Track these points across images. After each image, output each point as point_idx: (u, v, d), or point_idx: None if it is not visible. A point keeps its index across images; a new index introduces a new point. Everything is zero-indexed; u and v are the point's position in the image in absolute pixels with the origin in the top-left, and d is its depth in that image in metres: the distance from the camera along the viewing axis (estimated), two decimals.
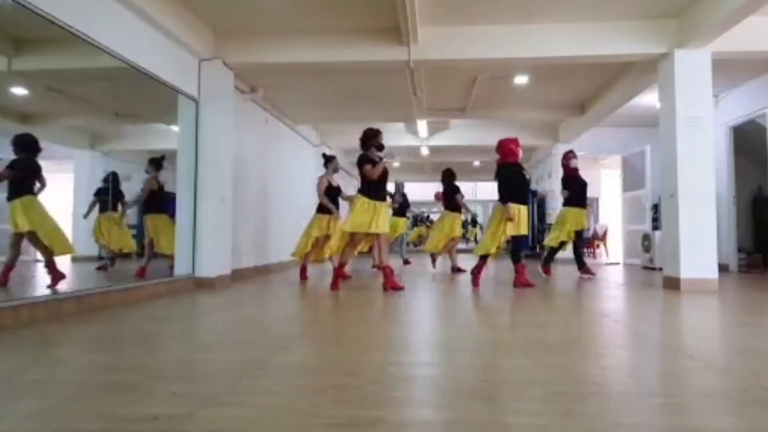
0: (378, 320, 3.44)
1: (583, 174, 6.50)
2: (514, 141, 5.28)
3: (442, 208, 7.50)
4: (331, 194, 5.97)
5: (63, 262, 5.79)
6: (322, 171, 10.31)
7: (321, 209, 5.97)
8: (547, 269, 6.38)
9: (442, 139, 10.45)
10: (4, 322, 2.87)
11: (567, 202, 6.31)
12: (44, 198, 4.71)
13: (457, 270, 7.09)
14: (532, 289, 4.97)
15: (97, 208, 5.92)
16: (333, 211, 5.91)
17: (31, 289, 4.36)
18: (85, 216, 5.88)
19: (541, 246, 9.74)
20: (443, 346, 2.64)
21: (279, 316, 3.64)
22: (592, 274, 6.27)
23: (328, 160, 6.18)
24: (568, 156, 6.37)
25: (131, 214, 6.33)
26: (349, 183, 11.46)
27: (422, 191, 15.19)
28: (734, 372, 2.06)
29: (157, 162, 5.63)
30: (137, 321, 3.31)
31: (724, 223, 6.87)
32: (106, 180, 5.97)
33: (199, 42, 5.06)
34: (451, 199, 7.25)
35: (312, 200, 10.30)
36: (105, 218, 5.90)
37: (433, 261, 7.85)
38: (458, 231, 7.27)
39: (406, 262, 9.02)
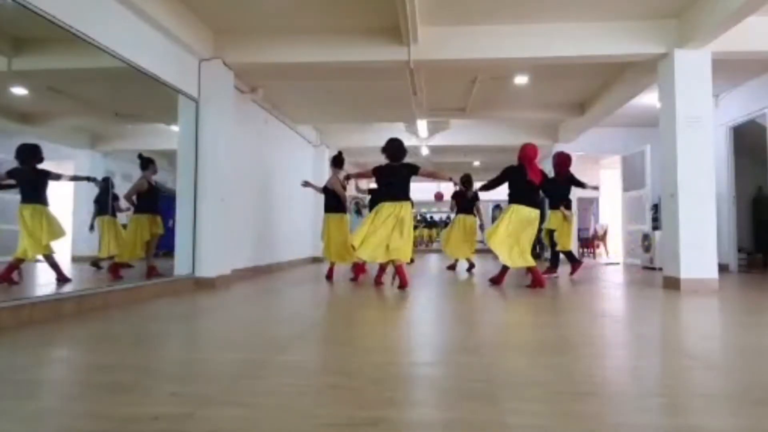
0: (378, 320, 3.44)
1: (584, 174, 6.55)
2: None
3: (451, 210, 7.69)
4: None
5: (63, 262, 5.81)
6: (320, 170, 10.27)
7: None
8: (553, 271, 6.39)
9: (442, 139, 10.45)
10: (4, 322, 2.87)
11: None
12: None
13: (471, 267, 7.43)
14: (532, 289, 4.97)
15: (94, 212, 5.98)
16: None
17: None
18: (91, 228, 5.95)
19: (541, 246, 9.75)
20: (443, 346, 2.64)
21: (279, 316, 3.64)
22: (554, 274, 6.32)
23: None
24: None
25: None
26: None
27: (422, 191, 15.17)
28: (734, 372, 2.06)
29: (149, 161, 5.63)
30: (137, 321, 3.31)
31: (724, 223, 6.87)
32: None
33: (199, 42, 5.06)
34: (469, 202, 7.33)
35: (310, 200, 10.38)
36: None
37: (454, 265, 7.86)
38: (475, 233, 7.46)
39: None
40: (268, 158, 7.62)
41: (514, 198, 5.21)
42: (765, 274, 6.83)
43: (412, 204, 5.24)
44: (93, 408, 1.57)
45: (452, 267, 7.85)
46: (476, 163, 13.99)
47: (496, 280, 5.39)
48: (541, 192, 5.58)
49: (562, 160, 6.36)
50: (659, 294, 4.72)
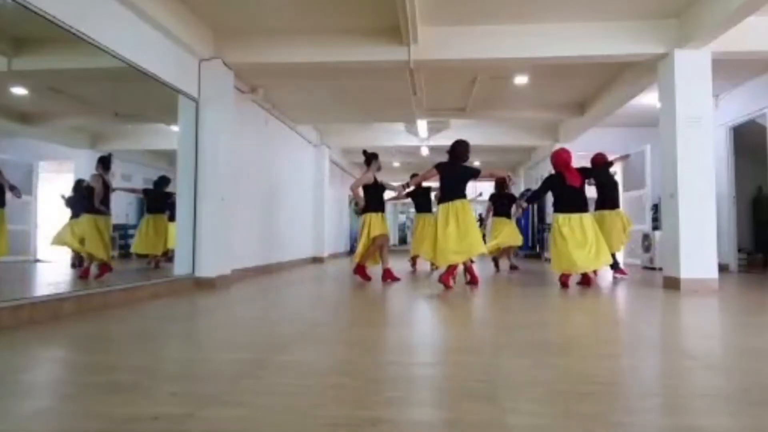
0: (379, 320, 3.44)
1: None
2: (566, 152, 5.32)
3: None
4: (373, 192, 5.87)
5: (63, 263, 5.83)
6: (321, 170, 10.30)
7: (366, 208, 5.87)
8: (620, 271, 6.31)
9: (442, 139, 10.44)
10: (4, 322, 2.87)
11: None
12: (45, 198, 4.73)
13: (514, 268, 7.66)
14: (532, 288, 4.97)
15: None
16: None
17: None
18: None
19: (541, 246, 9.80)
20: (443, 346, 2.64)
21: (279, 316, 3.64)
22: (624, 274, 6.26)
23: (374, 157, 5.96)
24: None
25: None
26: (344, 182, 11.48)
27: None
28: (734, 372, 2.06)
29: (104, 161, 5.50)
30: (137, 321, 3.31)
31: (724, 223, 6.87)
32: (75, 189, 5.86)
33: (199, 42, 5.06)
34: (506, 205, 7.45)
35: (310, 200, 10.38)
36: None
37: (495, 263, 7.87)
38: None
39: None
40: (268, 158, 7.62)
41: (556, 207, 5.22)
42: (765, 274, 6.83)
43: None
44: (93, 408, 1.57)
45: (497, 265, 7.79)
46: (476, 163, 13.97)
47: (564, 283, 5.13)
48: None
49: (597, 160, 6.14)
50: (659, 294, 4.72)
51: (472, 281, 5.26)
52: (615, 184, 6.36)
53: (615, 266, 6.25)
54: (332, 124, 10.27)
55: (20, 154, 5.65)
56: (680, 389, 1.82)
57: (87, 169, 6.17)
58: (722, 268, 6.05)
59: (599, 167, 6.04)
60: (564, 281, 5.14)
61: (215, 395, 1.67)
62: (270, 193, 7.67)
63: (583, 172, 5.31)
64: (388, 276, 5.75)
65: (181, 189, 5.28)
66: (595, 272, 5.72)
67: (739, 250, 7.34)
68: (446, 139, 10.31)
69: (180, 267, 5.15)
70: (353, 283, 5.62)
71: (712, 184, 5.03)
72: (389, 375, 1.95)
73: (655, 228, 7.90)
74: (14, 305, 3.01)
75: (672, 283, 5.00)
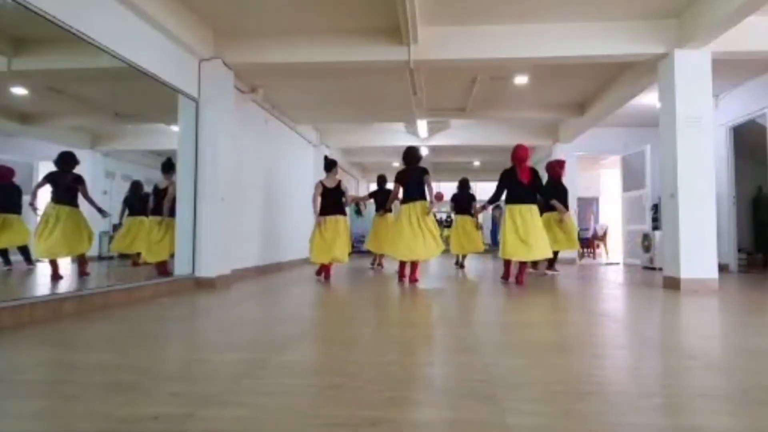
0: (378, 320, 3.44)
1: (584, 174, 6.60)
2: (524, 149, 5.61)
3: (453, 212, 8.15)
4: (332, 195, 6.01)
5: (64, 262, 5.83)
6: (320, 170, 10.32)
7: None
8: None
9: (442, 139, 10.46)
10: (4, 322, 2.87)
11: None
12: (45, 198, 4.74)
13: (461, 266, 8.02)
14: (528, 288, 4.97)
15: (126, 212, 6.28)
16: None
17: None
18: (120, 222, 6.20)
19: None
20: (443, 346, 2.64)
21: (279, 316, 3.64)
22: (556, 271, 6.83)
23: (334, 164, 6.20)
24: (562, 165, 6.96)
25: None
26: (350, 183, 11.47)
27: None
28: (734, 372, 2.06)
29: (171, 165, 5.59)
30: (137, 321, 3.31)
31: (724, 223, 6.87)
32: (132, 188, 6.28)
33: (199, 42, 5.06)
34: (468, 203, 7.85)
35: (310, 199, 10.32)
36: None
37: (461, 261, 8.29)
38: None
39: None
40: (268, 158, 7.62)
41: (507, 199, 5.52)
42: (765, 274, 6.83)
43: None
44: (93, 408, 1.57)
45: (457, 263, 8.29)
46: (476, 163, 13.99)
47: (505, 276, 5.72)
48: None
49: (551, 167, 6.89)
50: (659, 294, 4.72)
51: (410, 279, 5.54)
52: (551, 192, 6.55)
53: (551, 263, 6.72)
54: (332, 124, 10.27)
55: (20, 154, 5.66)
56: (680, 389, 1.82)
57: (87, 169, 6.19)
58: (722, 268, 6.06)
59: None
60: (506, 272, 5.69)
61: (215, 395, 1.67)
62: (270, 193, 7.67)
63: (534, 174, 5.48)
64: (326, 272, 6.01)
65: (181, 189, 5.28)
66: (534, 265, 6.44)
67: (739, 250, 7.35)
68: (446, 139, 10.40)
69: (180, 267, 5.15)
70: (352, 283, 5.62)
71: (712, 184, 5.04)
72: (389, 375, 1.95)
73: (655, 228, 7.90)
74: (15, 305, 3.01)
75: (672, 283, 5.01)
